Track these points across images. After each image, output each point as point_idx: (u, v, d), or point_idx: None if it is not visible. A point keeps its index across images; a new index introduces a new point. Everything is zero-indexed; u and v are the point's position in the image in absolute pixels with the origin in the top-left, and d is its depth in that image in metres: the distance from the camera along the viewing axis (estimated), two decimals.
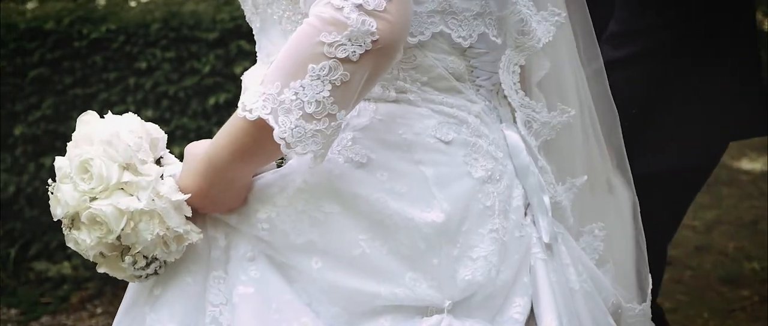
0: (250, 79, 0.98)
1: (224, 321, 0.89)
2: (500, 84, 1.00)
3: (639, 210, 1.18)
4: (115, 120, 0.92)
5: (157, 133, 0.94)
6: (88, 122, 0.91)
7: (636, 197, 1.18)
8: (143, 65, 2.79)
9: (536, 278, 0.96)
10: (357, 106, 0.90)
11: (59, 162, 0.89)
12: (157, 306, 0.91)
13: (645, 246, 1.19)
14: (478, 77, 0.98)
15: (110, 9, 2.99)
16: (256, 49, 1.01)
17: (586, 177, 1.07)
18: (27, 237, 3.04)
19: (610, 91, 1.14)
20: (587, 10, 1.10)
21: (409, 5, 0.83)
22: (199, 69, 2.76)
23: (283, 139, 0.79)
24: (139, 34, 2.80)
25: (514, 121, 1.02)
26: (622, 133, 1.16)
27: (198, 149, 0.90)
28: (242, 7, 0.99)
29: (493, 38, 0.97)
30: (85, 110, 0.94)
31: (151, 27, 2.78)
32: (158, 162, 0.93)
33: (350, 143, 0.90)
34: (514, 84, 0.99)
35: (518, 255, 0.96)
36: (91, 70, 2.86)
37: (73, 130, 0.92)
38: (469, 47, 0.95)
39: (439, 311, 0.89)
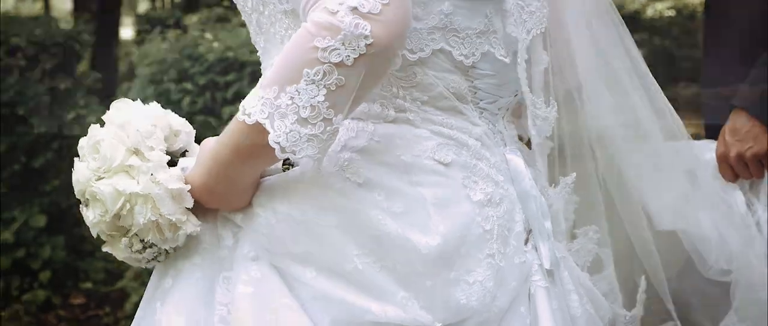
0: None
1: (230, 320, 0.89)
2: (506, 108, 0.98)
3: None
4: (137, 107, 0.95)
5: (180, 126, 0.97)
6: (118, 107, 0.95)
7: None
8: None
9: (536, 306, 0.94)
10: (355, 128, 0.90)
11: (81, 141, 0.93)
12: (166, 300, 0.92)
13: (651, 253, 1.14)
14: (481, 99, 0.97)
15: None
16: (262, 69, 1.02)
17: (574, 174, 1.05)
18: None
19: None
20: None
21: (407, 9, 0.82)
22: None
23: (278, 143, 0.80)
24: None
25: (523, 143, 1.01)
26: None
27: (209, 145, 0.91)
28: (248, 28, 1.00)
29: (501, 57, 0.95)
30: None
31: None
32: (184, 154, 0.97)
33: (348, 163, 0.89)
34: (523, 79, 0.98)
35: (516, 282, 0.93)
36: None
37: None
38: (471, 67, 0.94)
39: None
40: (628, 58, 1.10)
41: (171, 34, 3.88)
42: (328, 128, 0.81)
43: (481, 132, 0.95)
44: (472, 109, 0.95)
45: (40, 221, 3.19)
